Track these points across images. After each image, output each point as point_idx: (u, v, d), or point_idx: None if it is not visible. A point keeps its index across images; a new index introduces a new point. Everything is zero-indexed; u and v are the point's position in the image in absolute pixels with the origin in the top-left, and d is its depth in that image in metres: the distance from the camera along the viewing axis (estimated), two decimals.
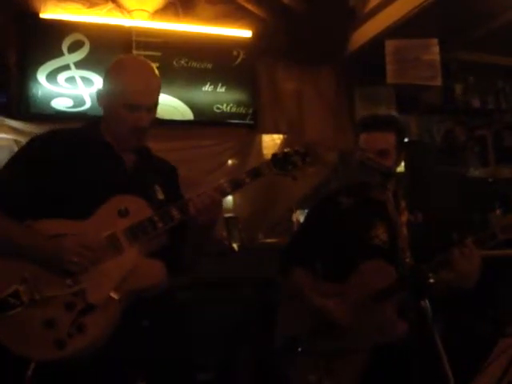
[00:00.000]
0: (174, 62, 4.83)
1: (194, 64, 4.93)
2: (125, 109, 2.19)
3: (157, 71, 2.31)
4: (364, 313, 2.56)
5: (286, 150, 2.28)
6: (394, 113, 5.23)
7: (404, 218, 2.24)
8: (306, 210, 3.88)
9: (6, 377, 2.01)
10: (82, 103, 4.60)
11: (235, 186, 2.21)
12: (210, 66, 4.99)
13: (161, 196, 2.29)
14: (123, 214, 2.12)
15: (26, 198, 2.12)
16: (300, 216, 4.80)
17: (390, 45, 4.80)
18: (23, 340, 1.98)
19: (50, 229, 2.08)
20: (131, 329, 2.10)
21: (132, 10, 4.82)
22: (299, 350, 2.65)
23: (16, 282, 2.00)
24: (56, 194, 2.11)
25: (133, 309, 2.08)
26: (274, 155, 2.26)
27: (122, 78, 2.24)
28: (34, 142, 2.27)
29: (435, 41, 4.81)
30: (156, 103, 2.29)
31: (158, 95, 2.30)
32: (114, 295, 2.02)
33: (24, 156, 2.25)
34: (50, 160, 2.16)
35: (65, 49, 4.59)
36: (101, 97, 2.28)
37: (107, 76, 2.30)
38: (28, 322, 1.99)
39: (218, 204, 2.19)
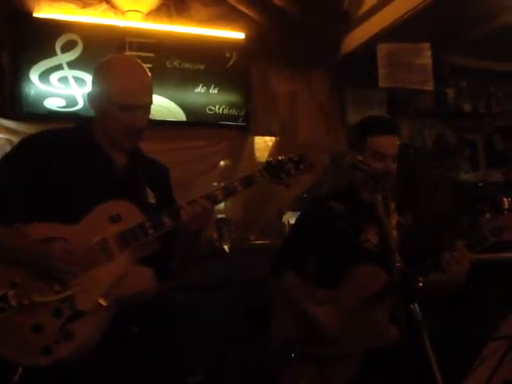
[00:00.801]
0: (167, 63, 4.83)
1: (187, 65, 4.94)
2: (120, 110, 2.15)
3: (147, 70, 2.27)
4: (357, 317, 2.57)
5: (279, 158, 2.24)
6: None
7: (394, 220, 2.25)
8: (298, 212, 3.88)
9: None
10: (75, 103, 4.60)
11: (227, 194, 2.19)
12: (202, 67, 4.99)
13: (152, 200, 2.26)
14: (115, 219, 2.10)
15: (16, 200, 2.10)
16: (291, 218, 4.80)
17: (382, 49, 4.82)
18: (10, 345, 1.96)
19: (40, 233, 2.05)
20: (120, 334, 2.08)
21: (125, 11, 4.81)
22: (292, 355, 2.65)
23: (5, 287, 1.98)
24: (46, 197, 2.09)
25: (122, 314, 2.06)
26: (268, 163, 2.23)
27: (115, 78, 2.20)
28: (25, 144, 2.24)
29: (427, 45, 4.83)
30: (150, 103, 2.25)
31: (152, 94, 2.27)
32: (102, 302, 2.00)
33: (14, 158, 2.21)
34: (40, 162, 2.14)
35: (58, 49, 4.58)
36: (92, 99, 2.24)
37: (98, 77, 2.25)
38: (16, 327, 1.96)
39: (209, 212, 2.17)
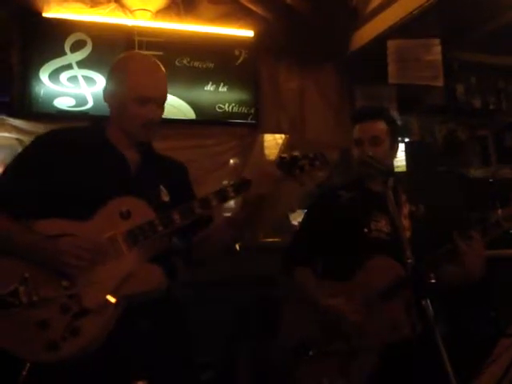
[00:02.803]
0: (176, 62, 4.84)
1: (196, 63, 4.94)
2: (135, 103, 2.18)
3: (162, 67, 2.33)
4: (373, 311, 2.55)
5: (294, 154, 2.20)
6: (394, 112, 5.23)
7: (406, 209, 2.24)
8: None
9: (1, 376, 2.01)
10: (85, 102, 4.62)
11: (238, 191, 2.20)
12: (212, 65, 4.99)
13: (165, 197, 2.26)
14: (125, 216, 2.10)
15: (29, 198, 2.11)
16: (300, 216, 4.79)
17: (391, 45, 4.80)
18: (18, 340, 1.97)
19: (50, 229, 2.06)
20: (130, 329, 2.08)
21: (134, 10, 4.83)
22: (310, 353, 2.63)
23: (16, 282, 1.99)
24: (59, 195, 2.10)
25: (132, 309, 2.06)
26: (282, 158, 2.19)
27: (131, 72, 2.24)
28: (37, 142, 2.26)
29: (437, 41, 4.80)
30: (165, 98, 2.30)
31: (166, 90, 2.32)
32: (110, 299, 2.00)
33: (27, 156, 2.24)
34: (52, 160, 2.15)
35: (67, 48, 4.60)
36: (108, 94, 2.27)
37: (114, 72, 2.29)
38: (24, 322, 1.97)
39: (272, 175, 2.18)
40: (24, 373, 1.95)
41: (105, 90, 2.29)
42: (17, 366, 1.96)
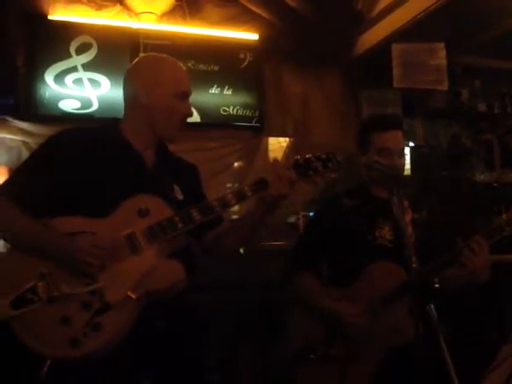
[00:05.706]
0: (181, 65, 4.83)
1: (201, 66, 4.96)
2: (177, 98, 2.26)
3: None
4: (377, 315, 2.55)
5: (307, 156, 2.25)
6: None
7: (408, 216, 2.24)
8: (311, 213, 3.88)
9: (22, 372, 2.02)
10: (90, 105, 4.62)
11: (256, 191, 2.22)
12: (216, 68, 5.01)
13: (180, 196, 2.28)
14: (143, 213, 2.10)
15: (45, 196, 2.11)
16: (305, 219, 4.79)
17: (396, 49, 4.81)
18: (39, 337, 1.97)
19: (68, 226, 2.06)
20: (146, 329, 2.07)
21: (140, 13, 4.84)
22: (312, 356, 2.63)
23: (34, 278, 1.99)
24: (76, 193, 2.10)
25: (148, 309, 2.06)
26: (296, 161, 2.24)
27: (169, 70, 2.32)
28: (55, 140, 2.25)
29: (442, 45, 4.81)
30: None
31: None
32: (131, 295, 2.00)
33: (43, 154, 2.22)
34: (69, 159, 2.15)
35: (73, 51, 4.63)
36: (141, 95, 2.25)
37: (146, 73, 2.29)
38: (45, 318, 1.97)
39: (291, 180, 2.21)
40: (44, 369, 1.95)
41: (133, 93, 2.28)
42: (37, 362, 1.96)
